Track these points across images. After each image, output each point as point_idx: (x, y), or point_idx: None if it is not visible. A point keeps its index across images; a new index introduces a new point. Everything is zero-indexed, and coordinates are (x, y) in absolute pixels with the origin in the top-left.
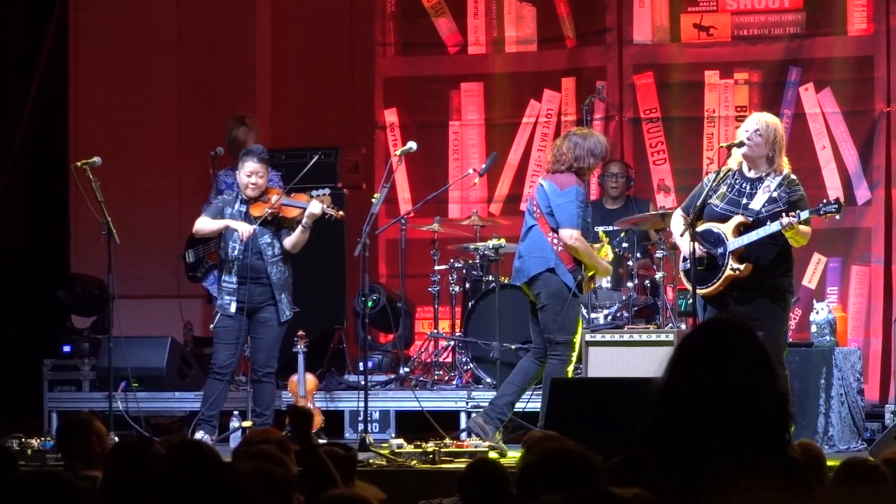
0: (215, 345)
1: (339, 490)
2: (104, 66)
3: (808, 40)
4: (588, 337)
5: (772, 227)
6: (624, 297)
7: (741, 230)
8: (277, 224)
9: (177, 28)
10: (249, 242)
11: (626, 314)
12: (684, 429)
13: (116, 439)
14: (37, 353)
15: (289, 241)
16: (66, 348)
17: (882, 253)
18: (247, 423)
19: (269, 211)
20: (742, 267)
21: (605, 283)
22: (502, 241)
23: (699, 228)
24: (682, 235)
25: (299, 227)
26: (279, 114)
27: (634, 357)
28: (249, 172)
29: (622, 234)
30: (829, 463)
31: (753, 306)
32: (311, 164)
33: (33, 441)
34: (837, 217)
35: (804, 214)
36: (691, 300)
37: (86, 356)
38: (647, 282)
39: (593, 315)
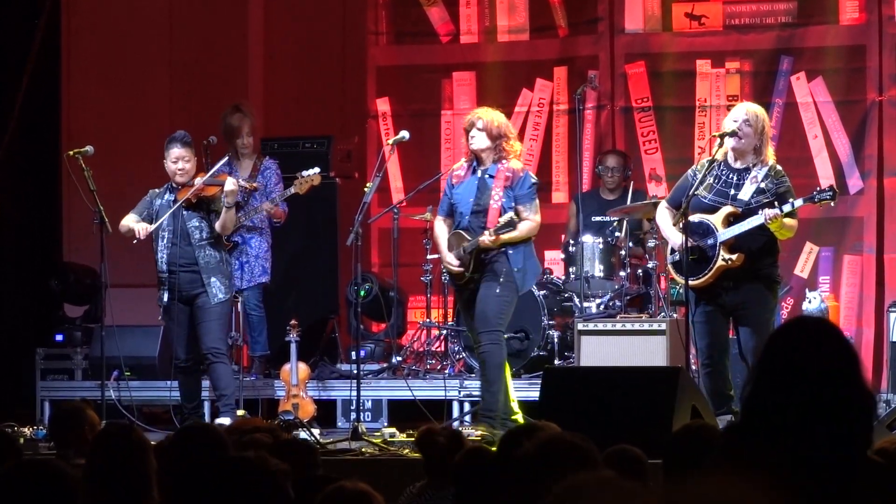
0: (168, 340)
1: (340, 482)
2: (96, 57)
3: (800, 29)
4: (580, 326)
5: (759, 219)
6: (616, 287)
7: (730, 221)
8: (206, 207)
9: (169, 19)
10: (178, 230)
11: (618, 303)
12: (776, 431)
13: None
14: (29, 342)
15: (218, 224)
16: (59, 337)
17: (874, 242)
18: (239, 412)
19: (191, 193)
20: (734, 257)
21: (598, 272)
22: None
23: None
24: (674, 225)
25: (223, 208)
26: (272, 103)
27: (627, 346)
28: (175, 158)
29: (615, 223)
30: None
31: (744, 295)
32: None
33: (26, 430)
34: (832, 204)
35: (798, 202)
36: (682, 290)
37: (78, 345)
38: (639, 271)
39: (586, 304)
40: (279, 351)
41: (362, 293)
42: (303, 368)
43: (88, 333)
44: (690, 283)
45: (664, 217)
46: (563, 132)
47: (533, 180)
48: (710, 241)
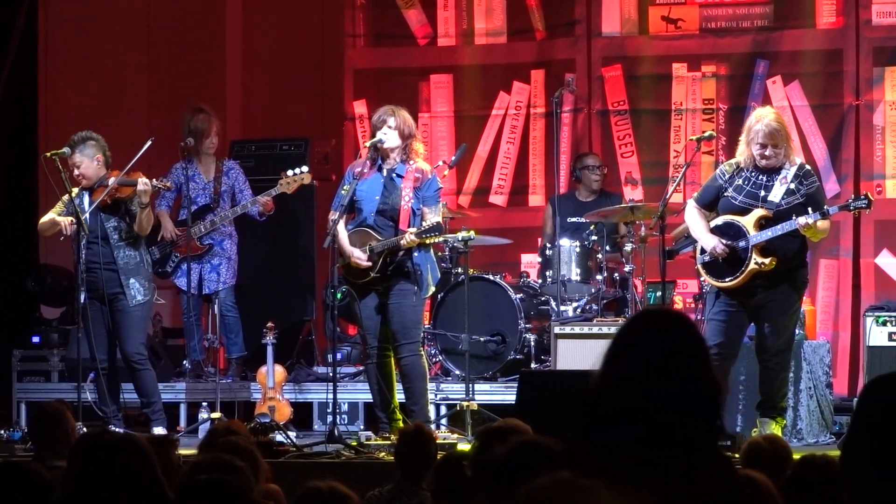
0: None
1: (316, 482)
2: (74, 58)
3: (776, 33)
4: (557, 329)
5: (792, 225)
6: (593, 290)
7: (762, 224)
8: (122, 208)
9: (147, 19)
10: (97, 230)
11: (594, 307)
12: (617, 422)
13: (85, 430)
14: (5, 343)
15: (135, 224)
16: (35, 339)
17: (850, 246)
18: (215, 415)
19: (105, 195)
20: (767, 261)
21: (575, 275)
22: (471, 233)
23: (717, 221)
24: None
25: (139, 208)
26: (249, 105)
27: (603, 350)
28: (71, 167)
29: (592, 227)
30: (797, 456)
31: (771, 294)
32: (144, 148)
33: (1, 431)
34: (867, 212)
35: (833, 210)
36: (660, 293)
37: (55, 347)
38: (616, 275)
39: (562, 307)
40: (256, 353)
41: (339, 296)
42: (279, 371)
43: (65, 335)
44: (722, 284)
45: (694, 217)
46: (539, 135)
47: (439, 184)
48: (742, 244)
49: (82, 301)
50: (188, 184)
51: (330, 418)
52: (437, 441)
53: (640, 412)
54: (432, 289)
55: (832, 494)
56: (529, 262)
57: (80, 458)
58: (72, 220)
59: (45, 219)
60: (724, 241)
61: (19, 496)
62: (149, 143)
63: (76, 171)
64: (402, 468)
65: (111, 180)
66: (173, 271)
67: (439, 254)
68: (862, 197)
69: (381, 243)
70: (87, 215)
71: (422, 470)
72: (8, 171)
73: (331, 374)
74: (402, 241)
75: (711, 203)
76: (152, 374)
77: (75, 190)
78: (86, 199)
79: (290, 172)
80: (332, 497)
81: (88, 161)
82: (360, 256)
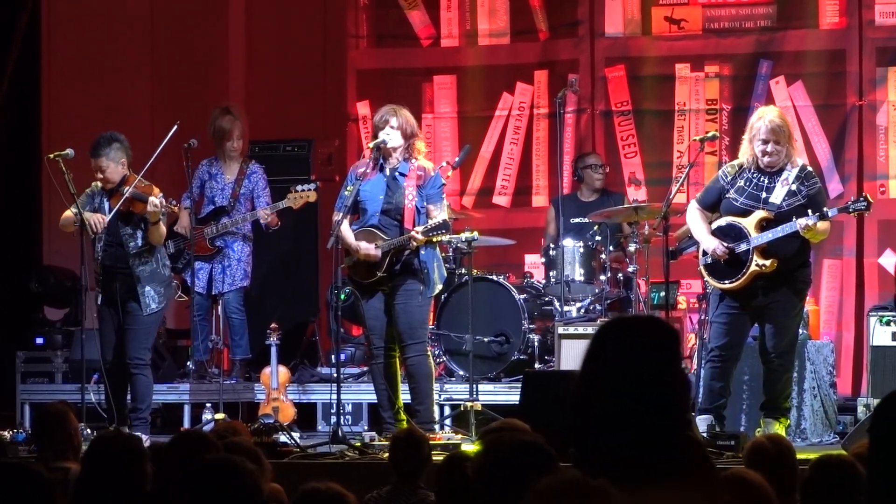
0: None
1: (314, 483)
2: (77, 59)
3: (780, 33)
4: (560, 330)
5: (793, 226)
6: (597, 290)
7: (763, 225)
8: (137, 217)
9: (149, 20)
10: (114, 235)
11: (598, 307)
12: (592, 422)
13: (88, 431)
14: (9, 344)
15: (148, 234)
16: (39, 340)
17: (853, 246)
18: (219, 416)
19: (120, 204)
20: (768, 263)
21: (579, 276)
22: (475, 234)
23: (720, 222)
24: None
25: (150, 224)
26: (252, 106)
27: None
28: (94, 170)
29: (595, 227)
30: (801, 455)
31: (773, 296)
32: (171, 133)
33: (5, 433)
34: (867, 214)
35: (833, 212)
36: (663, 293)
37: (58, 348)
38: (619, 275)
39: (566, 308)
40: (259, 354)
41: (343, 297)
42: (283, 372)
43: (68, 336)
44: (723, 285)
45: (695, 218)
46: (543, 136)
47: (442, 181)
48: (743, 246)
49: (98, 302)
50: (201, 182)
51: (334, 419)
52: (441, 442)
53: (630, 417)
54: (439, 286)
55: (849, 494)
56: (533, 262)
57: (94, 460)
58: (104, 219)
59: (68, 213)
60: (724, 244)
61: (20, 497)
62: (174, 128)
63: (100, 175)
64: (397, 471)
65: (126, 189)
66: (184, 269)
67: (443, 254)
68: (861, 199)
69: (387, 243)
70: (108, 218)
71: (417, 471)
72: (10, 170)
73: (334, 375)
74: (410, 241)
75: (713, 204)
76: (148, 380)
77: (97, 185)
78: (105, 203)
79: (298, 188)
80: (330, 497)
81: (114, 165)
82: (368, 247)
